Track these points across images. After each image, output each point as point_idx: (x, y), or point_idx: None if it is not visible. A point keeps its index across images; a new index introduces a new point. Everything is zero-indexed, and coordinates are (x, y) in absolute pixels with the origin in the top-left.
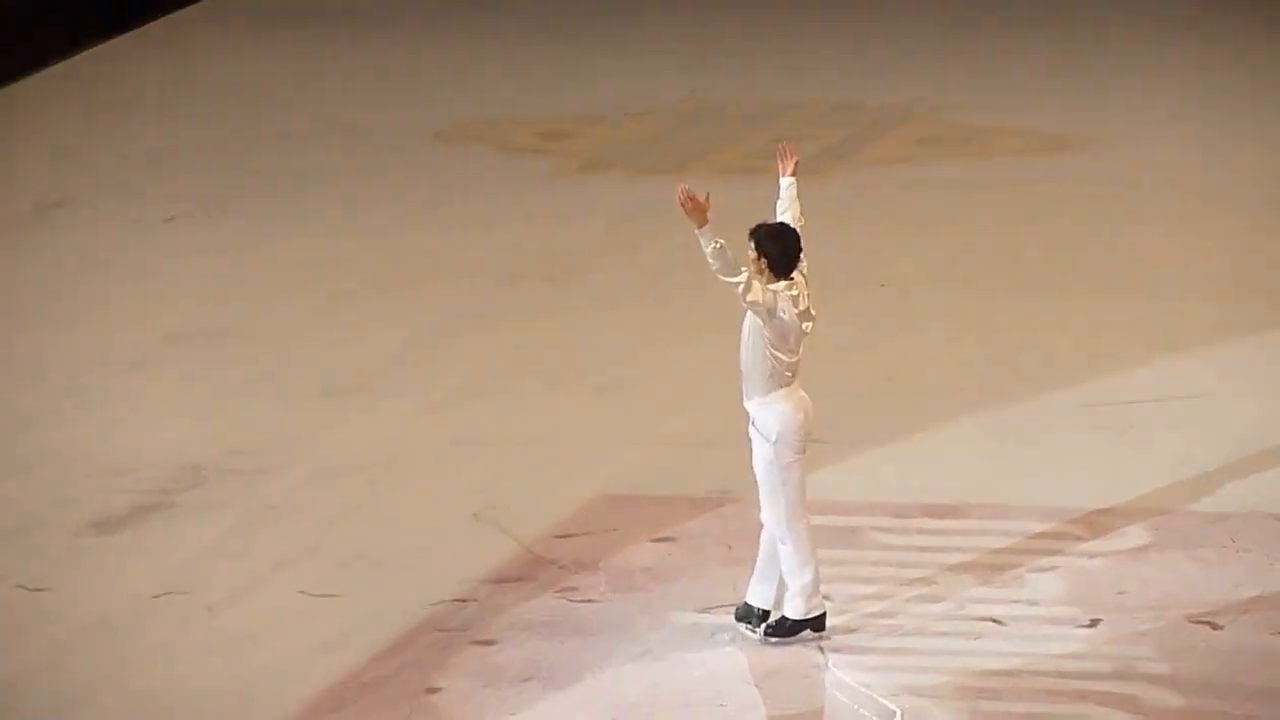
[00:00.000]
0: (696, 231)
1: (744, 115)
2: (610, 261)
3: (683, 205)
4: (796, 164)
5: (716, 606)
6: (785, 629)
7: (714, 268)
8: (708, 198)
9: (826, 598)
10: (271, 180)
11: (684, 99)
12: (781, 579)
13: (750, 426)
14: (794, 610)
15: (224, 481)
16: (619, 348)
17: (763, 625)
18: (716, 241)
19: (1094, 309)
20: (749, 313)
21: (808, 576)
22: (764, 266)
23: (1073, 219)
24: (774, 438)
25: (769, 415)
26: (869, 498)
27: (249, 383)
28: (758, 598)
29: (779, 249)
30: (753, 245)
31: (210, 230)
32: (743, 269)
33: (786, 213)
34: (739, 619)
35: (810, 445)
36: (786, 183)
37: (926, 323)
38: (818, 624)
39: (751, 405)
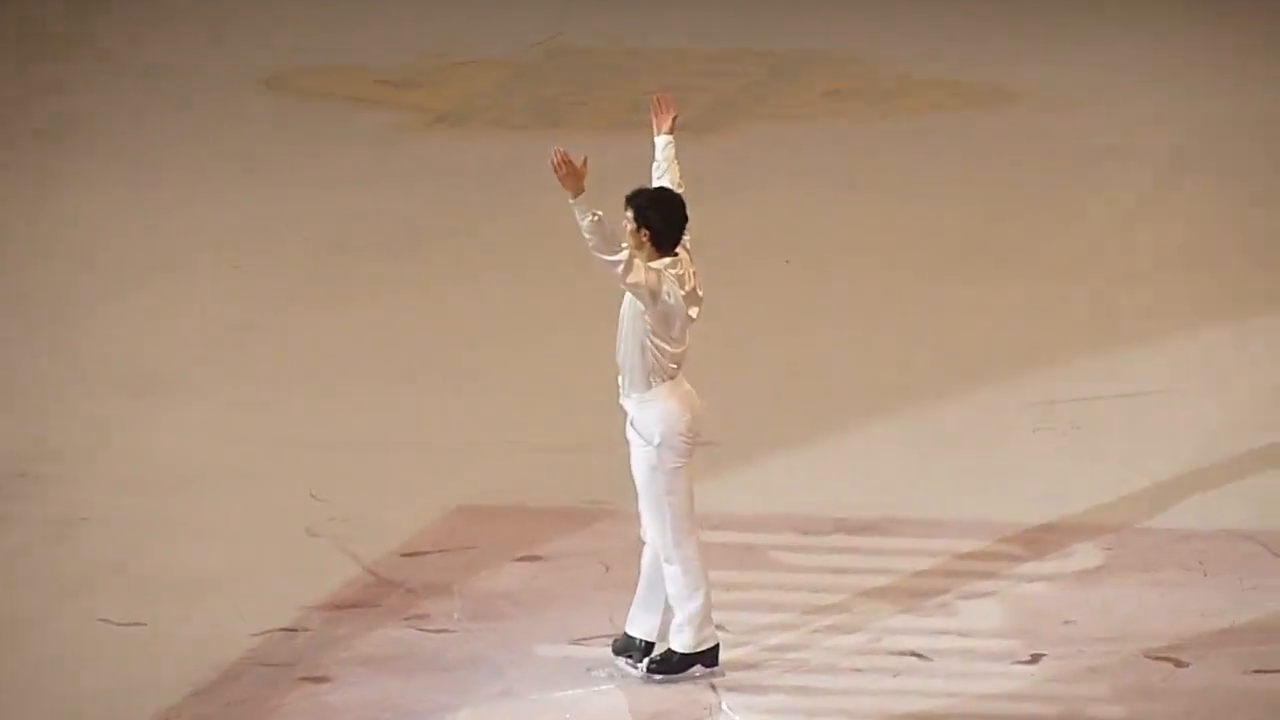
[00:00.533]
0: (570, 201)
1: (621, 62)
2: (464, 231)
3: (555, 170)
4: (675, 120)
5: (591, 638)
6: (672, 664)
7: (590, 244)
8: (585, 162)
9: (720, 627)
10: (53, 132)
11: (550, 40)
12: (667, 605)
13: (628, 427)
14: (681, 643)
15: (9, 489)
16: (474, 333)
17: (646, 660)
18: (594, 213)
19: (1036, 292)
20: (628, 295)
21: (697, 603)
22: (645, 240)
23: (1011, 187)
24: (656, 440)
25: (650, 414)
26: (771, 511)
27: (38, 373)
28: (639, 628)
29: (663, 219)
30: (631, 215)
31: None
32: (623, 245)
33: (664, 177)
34: (617, 653)
35: (699, 448)
36: (663, 141)
37: (838, 306)
38: (709, 658)
39: (630, 403)
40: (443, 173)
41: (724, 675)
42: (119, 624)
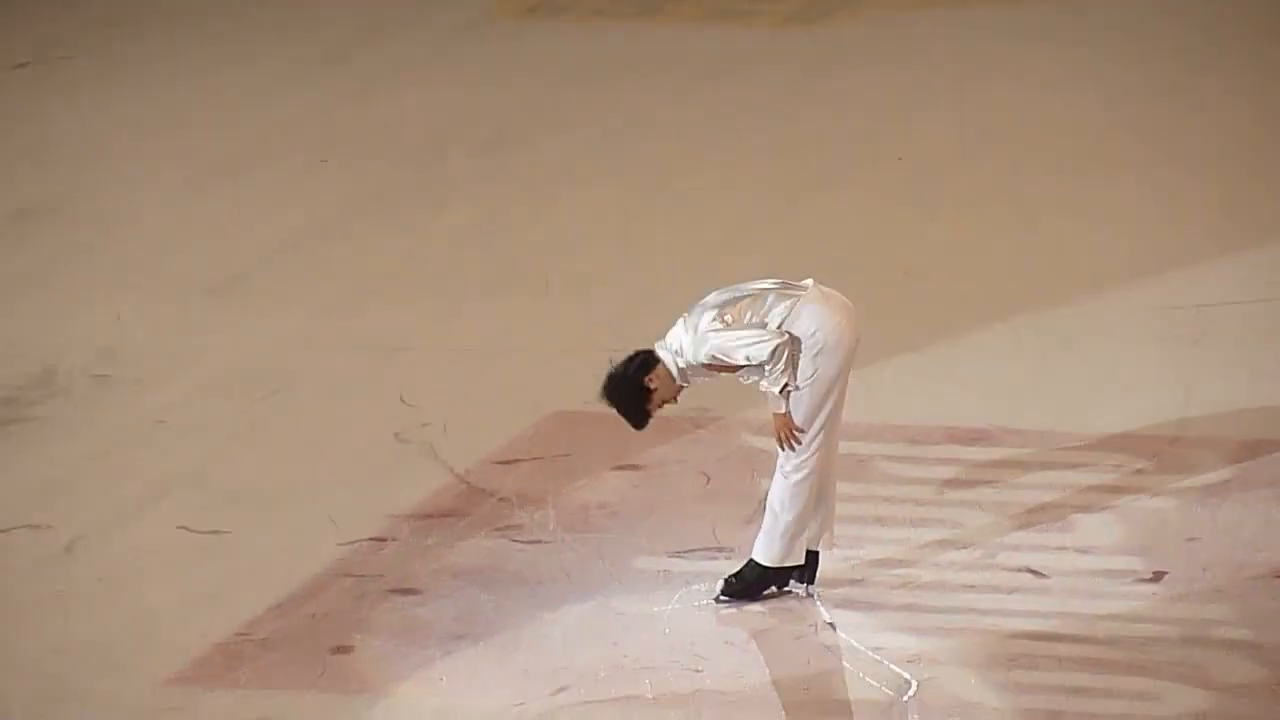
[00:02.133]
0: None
1: None
2: (562, 130)
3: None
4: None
5: (691, 551)
6: (746, 582)
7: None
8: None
9: (830, 546)
10: (120, 20)
11: None
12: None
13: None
14: (769, 555)
15: (87, 392)
16: (569, 236)
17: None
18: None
19: (1162, 190)
20: None
21: (794, 514)
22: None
23: (1140, 77)
24: (816, 348)
25: (803, 322)
26: (879, 419)
27: (113, 273)
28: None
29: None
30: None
31: (56, 82)
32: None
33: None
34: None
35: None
36: None
37: (955, 206)
38: (786, 578)
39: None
40: (539, 66)
41: (831, 591)
42: (199, 531)
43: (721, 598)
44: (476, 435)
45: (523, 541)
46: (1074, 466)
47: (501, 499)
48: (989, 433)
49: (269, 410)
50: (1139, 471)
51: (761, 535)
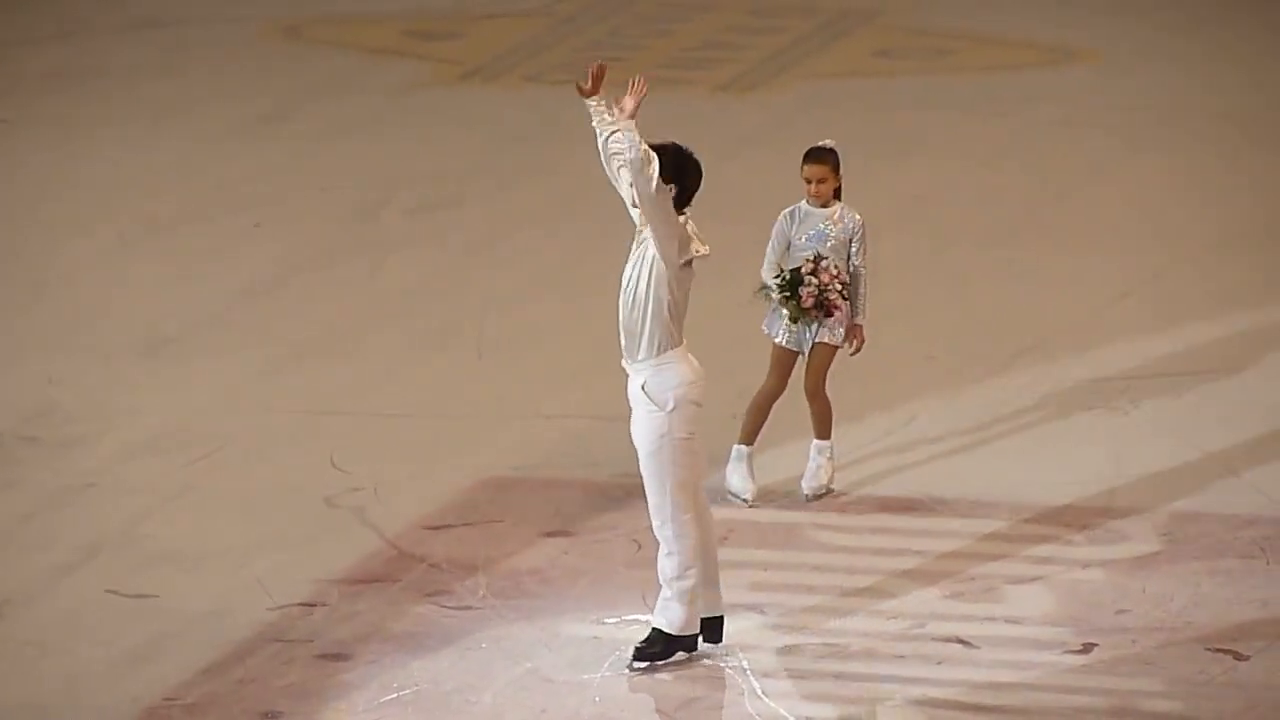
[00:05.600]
0: (620, 124)
1: (660, 14)
2: (497, 192)
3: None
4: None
5: (622, 618)
6: (655, 649)
7: (631, 159)
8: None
9: (761, 611)
10: (54, 80)
11: None
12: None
13: (638, 392)
14: (668, 621)
15: (16, 453)
16: (504, 298)
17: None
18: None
19: (1091, 265)
20: (641, 254)
21: (688, 582)
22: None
23: (1069, 150)
24: (670, 405)
25: (665, 378)
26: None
27: (45, 335)
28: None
29: (691, 178)
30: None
31: None
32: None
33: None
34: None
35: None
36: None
37: (883, 275)
38: (692, 643)
39: (641, 367)
40: (473, 129)
41: (759, 659)
42: (127, 595)
43: (635, 664)
44: (407, 500)
45: (453, 607)
46: (1004, 537)
47: (432, 564)
48: (920, 502)
49: (199, 473)
50: (1069, 542)
51: (660, 604)
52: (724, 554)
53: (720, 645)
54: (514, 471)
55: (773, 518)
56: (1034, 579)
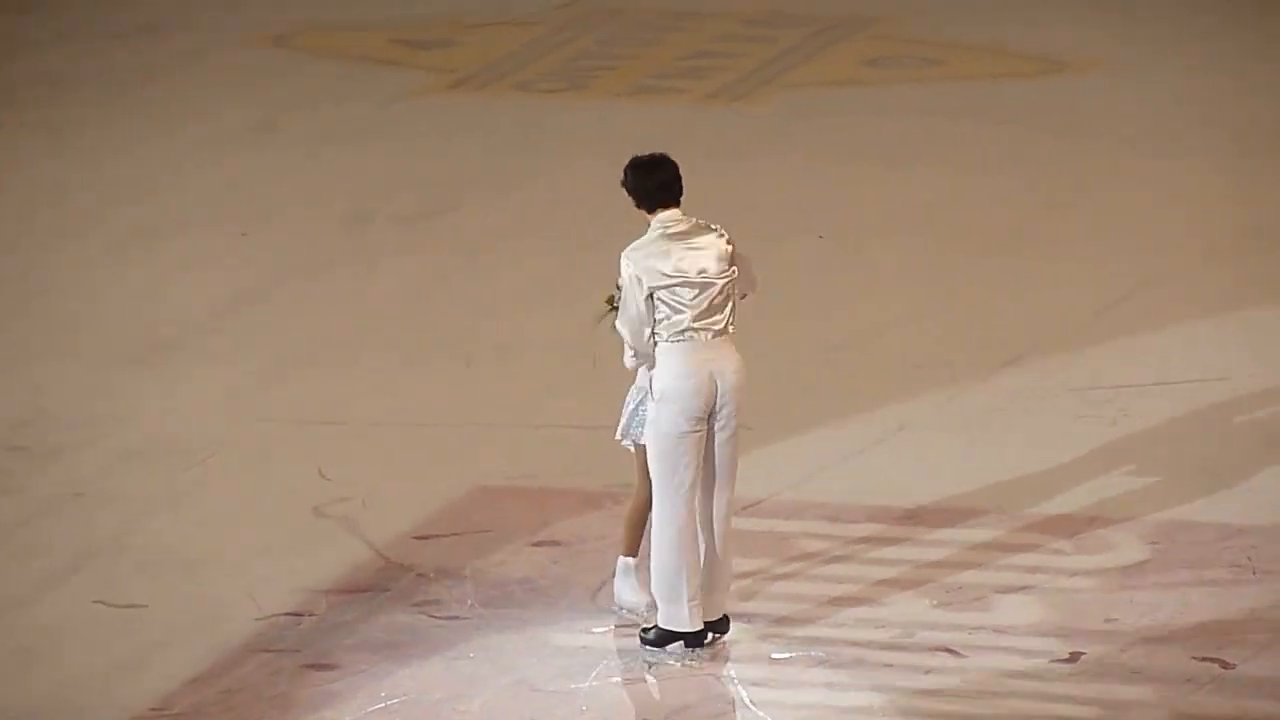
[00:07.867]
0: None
1: (651, 23)
2: (484, 200)
3: None
4: None
5: (610, 627)
6: (656, 637)
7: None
8: None
9: (749, 620)
10: (42, 87)
11: (575, 2)
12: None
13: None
14: (660, 616)
15: (5, 463)
16: (494, 306)
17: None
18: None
19: (1083, 273)
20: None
21: (683, 584)
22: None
23: (1062, 159)
24: (657, 395)
25: (657, 368)
26: (800, 497)
27: (33, 342)
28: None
29: (634, 181)
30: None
31: None
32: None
33: None
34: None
35: (733, 425)
36: None
37: (875, 284)
38: (695, 638)
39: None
40: (463, 138)
41: (748, 669)
42: (115, 605)
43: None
44: (395, 509)
45: (441, 617)
46: (993, 546)
47: (420, 574)
48: (909, 511)
49: (187, 482)
50: (1057, 551)
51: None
52: None
53: (709, 654)
54: (503, 481)
55: (764, 526)
56: (1022, 588)
